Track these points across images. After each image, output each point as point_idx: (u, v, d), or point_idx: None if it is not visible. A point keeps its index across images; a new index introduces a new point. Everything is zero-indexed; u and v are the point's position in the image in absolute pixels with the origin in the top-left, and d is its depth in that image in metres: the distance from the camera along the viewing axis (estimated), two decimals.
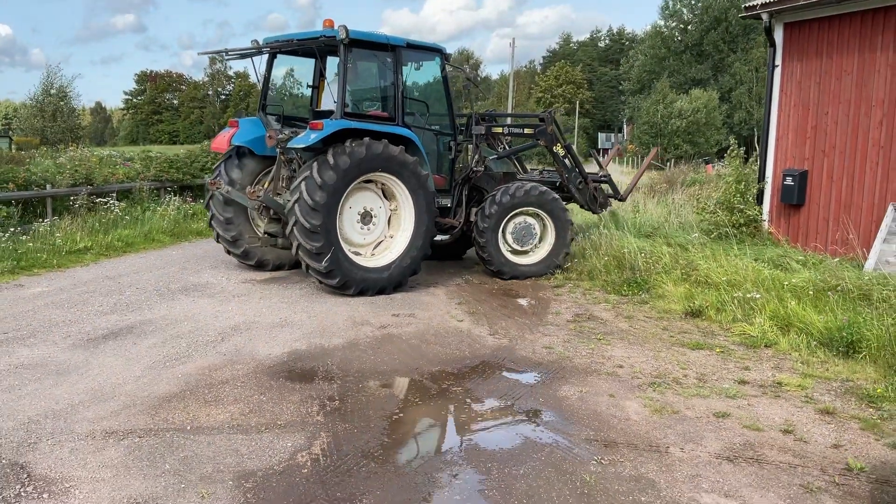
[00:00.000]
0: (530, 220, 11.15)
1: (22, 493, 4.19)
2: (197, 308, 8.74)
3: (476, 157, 11.08)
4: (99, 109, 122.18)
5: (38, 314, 8.29)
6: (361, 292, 9.58)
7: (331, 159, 9.16)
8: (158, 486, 4.34)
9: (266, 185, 10.33)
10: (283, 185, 10.25)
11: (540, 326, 8.32)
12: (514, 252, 11.16)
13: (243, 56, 10.56)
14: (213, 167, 10.92)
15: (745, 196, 12.77)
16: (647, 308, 9.22)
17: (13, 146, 37.14)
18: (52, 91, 41.46)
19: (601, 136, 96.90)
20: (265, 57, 10.73)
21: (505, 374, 6.66)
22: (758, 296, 8.42)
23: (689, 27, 75.01)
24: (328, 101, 10.68)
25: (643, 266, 10.51)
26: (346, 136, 9.42)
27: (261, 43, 10.45)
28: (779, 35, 12.22)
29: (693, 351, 7.39)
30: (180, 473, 4.52)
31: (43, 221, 12.89)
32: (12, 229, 11.86)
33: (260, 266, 11.04)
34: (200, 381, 6.19)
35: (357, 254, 9.77)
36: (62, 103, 41.47)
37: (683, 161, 46.64)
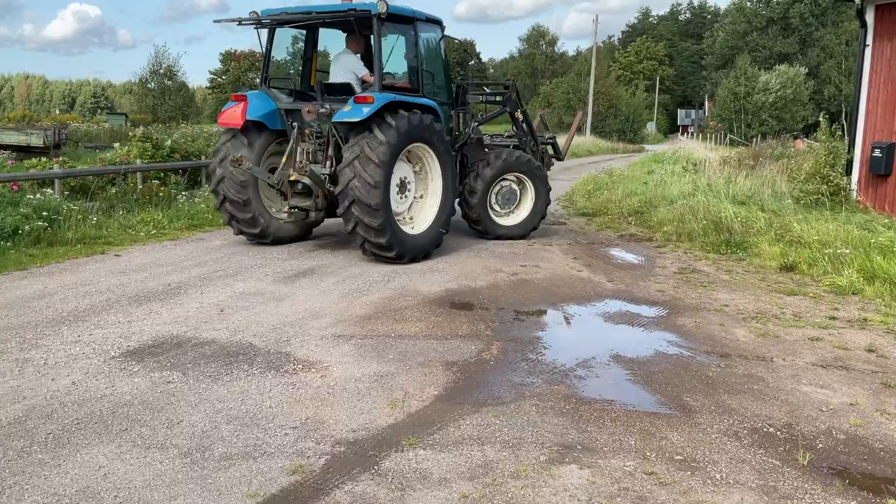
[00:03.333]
0: (513, 185, 12.19)
1: (297, 369, 5.85)
2: (357, 255, 10.43)
3: (471, 124, 11.89)
4: (182, 88, 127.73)
5: (232, 260, 10.10)
6: (413, 259, 10.04)
7: (380, 135, 9.36)
8: (390, 367, 5.95)
9: (284, 161, 10.35)
10: (307, 159, 10.40)
11: (650, 276, 9.67)
12: (497, 215, 12.22)
13: (259, 26, 10.61)
14: (217, 144, 10.79)
15: (834, 167, 13.75)
16: (745, 264, 10.45)
17: (129, 122, 40.11)
18: (161, 70, 44.33)
19: (681, 112, 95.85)
20: (269, 29, 10.72)
21: (628, 308, 8.06)
22: (847, 251, 9.56)
23: (774, 0, 73.53)
24: (338, 74, 10.76)
25: (740, 229, 11.70)
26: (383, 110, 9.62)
27: (260, 14, 10.50)
28: (870, 16, 13.09)
29: (788, 296, 8.63)
30: (402, 360, 6.11)
31: (202, 187, 14.90)
32: (184, 193, 13.88)
33: (276, 243, 10.96)
34: (385, 307, 7.81)
35: (399, 222, 10.13)
36: (169, 82, 44.30)
37: (770, 136, 46.46)
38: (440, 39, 11.13)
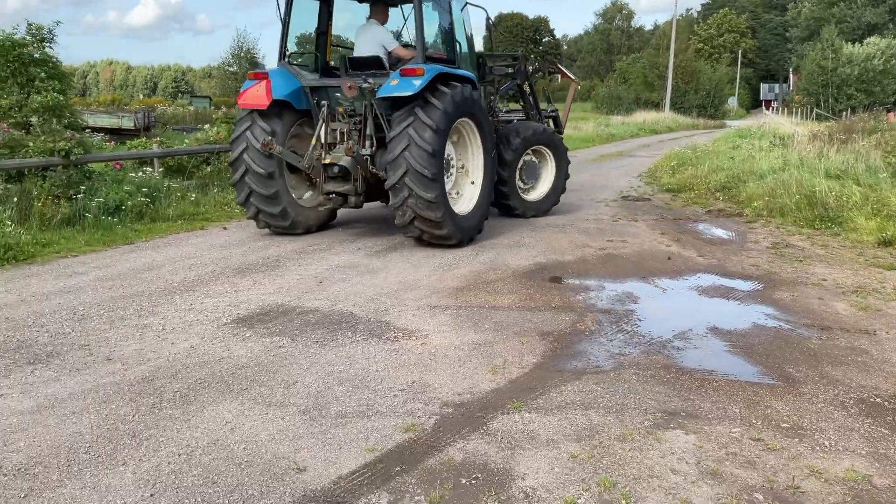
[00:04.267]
0: (533, 158, 11.88)
1: (399, 336, 6.06)
2: None
3: (494, 97, 11.61)
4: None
5: (324, 236, 10.43)
6: (459, 243, 9.50)
7: (436, 101, 8.86)
8: (487, 336, 6.09)
9: (314, 143, 9.70)
10: (350, 140, 9.64)
11: (742, 251, 9.53)
12: (522, 190, 11.93)
13: None
14: (236, 130, 9.86)
15: None
16: (841, 239, 10.18)
17: (212, 105, 41.33)
18: (241, 53, 45.47)
19: (764, 86, 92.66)
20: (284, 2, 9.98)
21: (722, 281, 8.00)
22: None
23: None
24: (365, 47, 10.05)
25: (834, 203, 11.37)
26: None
27: None
28: None
29: (888, 271, 8.39)
30: (498, 331, 6.25)
31: None
32: None
33: (306, 232, 10.28)
34: (477, 280, 7.96)
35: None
36: (248, 65, 45.37)
37: (860, 110, 44.51)
38: (464, 8, 10.44)
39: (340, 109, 9.78)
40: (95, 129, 26.37)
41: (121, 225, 10.48)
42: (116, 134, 26.99)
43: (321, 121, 9.71)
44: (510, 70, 12.27)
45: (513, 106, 13.96)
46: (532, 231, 10.86)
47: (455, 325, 6.39)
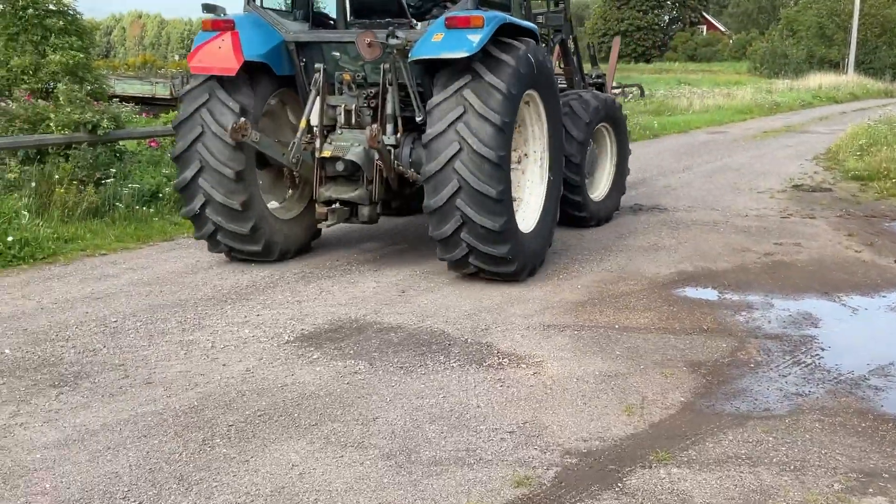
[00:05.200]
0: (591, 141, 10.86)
1: (504, 363, 6.08)
2: (558, 228, 10.59)
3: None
4: None
5: (407, 231, 10.58)
6: (524, 272, 8.24)
7: (493, 78, 7.61)
8: (619, 365, 6.04)
9: (304, 125, 8.48)
10: (343, 123, 8.53)
11: None
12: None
13: None
14: (184, 105, 8.52)
15: None
16: None
17: None
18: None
19: None
20: None
21: None
22: None
23: None
24: None
25: None
26: None
27: None
28: None
29: None
30: (632, 358, 6.19)
31: None
32: None
33: (281, 257, 8.92)
34: (602, 292, 7.91)
35: None
36: None
37: None
38: None
39: (347, 77, 8.48)
40: (124, 99, 27.57)
41: (158, 217, 10.89)
42: (149, 104, 28.08)
43: (314, 93, 8.48)
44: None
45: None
46: (673, 230, 10.71)
47: (576, 349, 6.37)
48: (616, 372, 5.92)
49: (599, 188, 11.20)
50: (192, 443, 4.82)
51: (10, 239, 9.00)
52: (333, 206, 8.39)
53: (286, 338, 6.57)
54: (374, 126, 7.83)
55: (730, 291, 7.96)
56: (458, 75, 7.67)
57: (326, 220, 8.46)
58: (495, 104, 7.54)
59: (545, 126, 8.80)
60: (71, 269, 8.70)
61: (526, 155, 8.91)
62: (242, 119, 7.94)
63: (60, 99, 11.67)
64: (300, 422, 5.08)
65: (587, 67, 12.75)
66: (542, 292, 7.89)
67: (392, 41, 7.85)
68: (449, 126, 7.58)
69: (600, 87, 12.24)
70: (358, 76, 8.61)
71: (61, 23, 15.34)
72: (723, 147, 21.11)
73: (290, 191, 9.31)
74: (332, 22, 9.31)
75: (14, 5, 16.37)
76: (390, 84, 8.32)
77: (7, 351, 6.30)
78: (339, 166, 8.31)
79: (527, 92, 8.16)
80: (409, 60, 7.93)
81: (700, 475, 4.46)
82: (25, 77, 16.32)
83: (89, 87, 13.96)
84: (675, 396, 5.51)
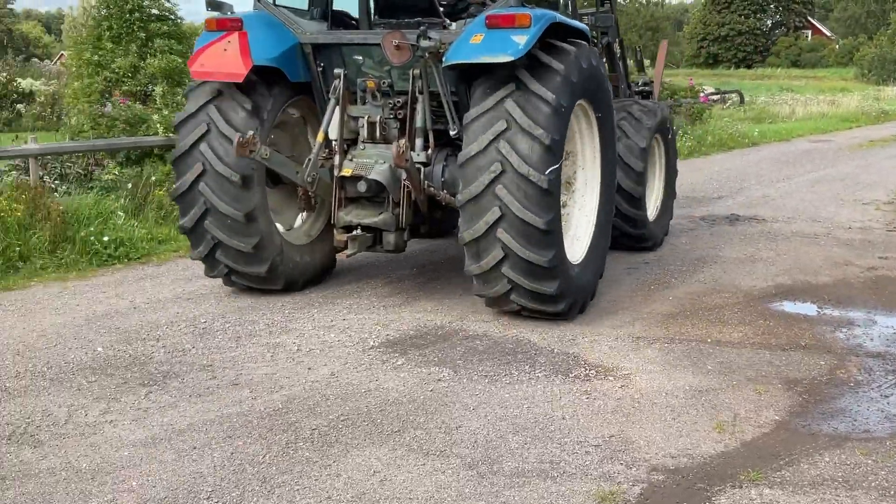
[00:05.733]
0: None
1: (591, 374, 6.02)
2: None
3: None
4: None
5: None
6: (578, 310, 7.35)
7: (540, 89, 6.72)
8: (710, 380, 5.92)
9: (320, 141, 7.61)
10: (366, 137, 7.68)
11: None
12: None
13: None
14: (185, 113, 7.70)
15: None
16: None
17: None
18: None
19: None
20: None
21: None
22: None
23: None
24: None
25: None
26: None
27: None
28: None
29: None
30: (724, 374, 6.06)
31: None
32: None
33: (288, 287, 7.94)
34: (695, 304, 7.77)
35: None
36: None
37: None
38: None
39: (371, 84, 7.61)
40: None
41: None
42: None
43: (332, 102, 7.66)
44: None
45: None
46: (771, 241, 10.46)
47: (665, 363, 6.26)
48: (707, 387, 5.80)
49: (649, 207, 10.05)
50: (275, 445, 4.89)
51: (105, 239, 9.31)
52: (354, 232, 7.47)
53: (371, 343, 6.63)
54: (402, 141, 6.79)
55: (830, 306, 7.73)
56: (500, 84, 6.79)
57: (346, 248, 7.48)
58: (543, 118, 6.64)
59: (597, 140, 7.84)
60: (163, 270, 8.95)
61: (575, 173, 7.96)
62: (250, 132, 7.03)
63: (157, 102, 12.04)
64: (383, 428, 5.11)
65: (635, 73, 12.23)
66: (633, 303, 7.80)
67: (423, 43, 7.00)
68: (489, 144, 6.67)
69: (647, 95, 11.31)
70: (383, 83, 7.69)
71: (164, 27, 15.80)
72: (826, 156, 20.56)
73: (305, 213, 8.42)
74: (353, 22, 8.55)
75: (122, 8, 16.92)
76: (420, 93, 7.40)
77: (100, 349, 6.51)
78: (361, 186, 7.39)
79: (578, 102, 7.27)
80: (443, 66, 7.06)
81: (794, 497, 4.33)
82: (125, 79, 16.85)
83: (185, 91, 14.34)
84: (768, 414, 5.37)
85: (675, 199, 10.84)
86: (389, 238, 7.47)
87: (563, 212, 7.40)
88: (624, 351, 6.52)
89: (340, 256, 7.83)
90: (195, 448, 4.86)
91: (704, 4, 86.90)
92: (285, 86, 7.74)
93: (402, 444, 4.89)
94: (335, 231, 7.65)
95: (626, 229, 9.41)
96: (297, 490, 4.40)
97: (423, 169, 7.41)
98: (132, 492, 4.38)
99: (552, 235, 6.73)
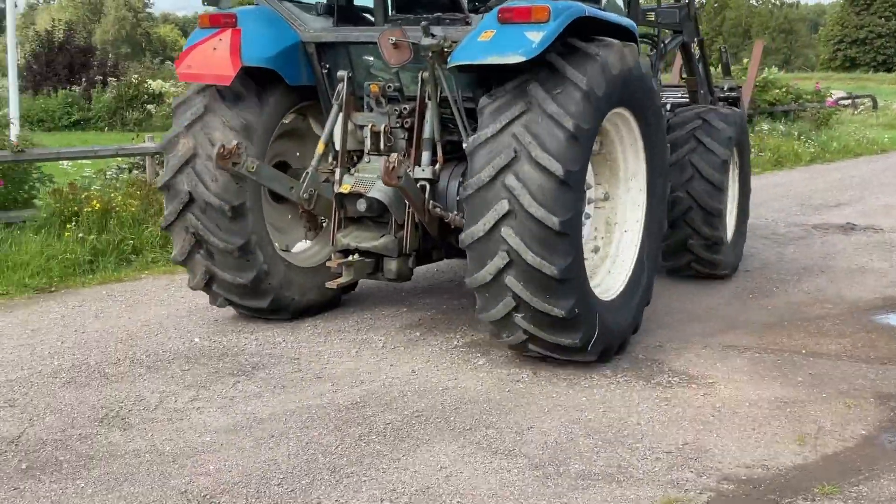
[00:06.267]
0: None
1: (674, 381, 5.97)
2: (760, 241, 10.35)
3: (657, 66, 8.55)
4: None
5: None
6: (613, 353, 6.37)
7: (565, 115, 5.68)
8: (798, 392, 5.80)
9: (321, 150, 6.91)
10: (371, 148, 6.84)
11: None
12: None
13: None
14: (178, 119, 6.95)
15: None
16: None
17: None
18: None
19: None
20: None
21: None
22: None
23: None
24: None
25: None
26: None
27: None
28: None
29: None
30: (814, 386, 5.92)
31: None
32: None
33: (296, 315, 7.26)
34: (794, 314, 7.63)
35: None
36: None
37: None
38: None
39: (375, 88, 6.77)
40: None
41: None
42: None
43: (335, 108, 6.91)
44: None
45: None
46: (886, 252, 10.16)
47: (754, 373, 6.17)
48: (794, 399, 5.69)
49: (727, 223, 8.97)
50: (348, 437, 5.05)
51: None
52: (351, 257, 6.64)
53: (455, 342, 6.74)
54: (392, 156, 5.94)
55: None
56: (510, 103, 5.82)
57: (344, 277, 6.62)
58: (558, 147, 5.63)
59: (643, 153, 6.83)
60: None
61: (608, 193, 6.98)
62: (235, 142, 6.30)
63: None
64: (455, 425, 5.21)
65: (717, 76, 11.04)
66: (728, 311, 7.70)
67: (425, 41, 6.10)
68: (495, 177, 5.71)
69: (734, 101, 10.16)
70: (390, 87, 6.83)
71: None
72: None
73: (311, 232, 7.49)
74: (367, 17, 7.66)
75: None
76: (429, 98, 6.54)
77: (196, 339, 6.82)
78: (361, 205, 6.54)
79: (614, 111, 6.36)
80: (448, 67, 6.22)
81: None
82: None
83: None
84: (855, 428, 5.24)
85: (748, 222, 9.60)
86: (391, 265, 6.61)
87: (593, 237, 6.80)
88: (711, 359, 6.43)
89: (332, 285, 6.68)
90: (273, 437, 5.05)
91: (842, 6, 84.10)
92: (289, 90, 7.03)
93: (472, 442, 4.98)
94: (333, 255, 6.82)
95: (699, 253, 8.39)
96: (364, 481, 4.53)
97: (429, 186, 6.51)
98: (209, 475, 4.59)
99: (570, 283, 5.77)
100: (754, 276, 8.94)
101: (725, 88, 10.31)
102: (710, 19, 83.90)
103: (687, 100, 9.65)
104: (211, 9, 6.97)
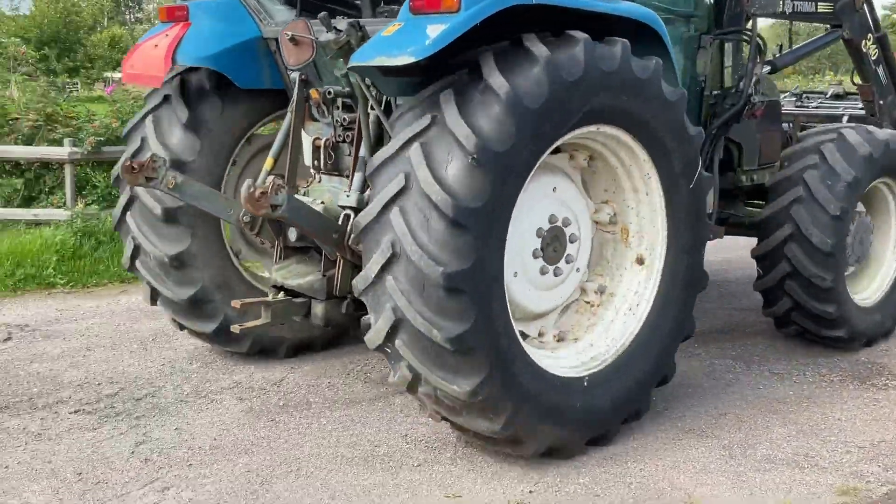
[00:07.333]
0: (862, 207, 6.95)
1: (890, 385, 6.05)
2: None
3: (759, 69, 6.65)
4: None
5: None
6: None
7: (472, 136, 4.25)
8: None
9: (268, 166, 5.71)
10: (313, 160, 5.86)
11: None
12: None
13: None
14: (137, 116, 6.33)
15: None
16: None
17: None
18: None
19: None
20: None
21: None
22: None
23: None
24: None
25: None
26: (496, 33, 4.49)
27: None
28: None
29: None
30: None
31: None
32: None
33: (263, 351, 6.38)
34: None
35: (535, 342, 5.18)
36: None
37: None
38: None
39: (315, 94, 5.76)
40: None
41: None
42: None
43: (288, 117, 5.90)
44: (820, 8, 7.37)
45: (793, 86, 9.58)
46: None
47: None
48: None
49: (872, 286, 7.09)
50: None
51: None
52: (271, 296, 5.68)
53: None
54: (249, 181, 4.71)
55: None
56: (417, 114, 4.50)
57: (276, 318, 5.57)
58: (455, 175, 4.25)
59: (662, 204, 5.22)
60: None
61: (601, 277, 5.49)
62: (152, 153, 5.23)
63: None
64: (655, 405, 5.59)
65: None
66: None
67: (322, 37, 5.08)
68: (383, 209, 4.40)
69: None
70: (330, 93, 5.57)
71: None
72: None
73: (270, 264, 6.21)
74: (339, 8, 6.25)
75: None
76: (361, 107, 5.34)
77: None
78: (292, 234, 5.59)
79: (595, 127, 4.80)
80: (346, 70, 5.02)
81: None
82: None
83: None
84: None
85: None
86: (317, 309, 5.49)
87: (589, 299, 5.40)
88: None
89: (236, 329, 5.61)
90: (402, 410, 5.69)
91: None
92: (270, 96, 6.17)
93: (667, 420, 5.40)
94: (270, 295, 5.74)
95: (814, 329, 6.61)
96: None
97: (351, 216, 5.12)
98: (428, 426, 5.26)
99: (476, 355, 4.34)
100: None
101: None
102: None
103: (863, 112, 8.04)
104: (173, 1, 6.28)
